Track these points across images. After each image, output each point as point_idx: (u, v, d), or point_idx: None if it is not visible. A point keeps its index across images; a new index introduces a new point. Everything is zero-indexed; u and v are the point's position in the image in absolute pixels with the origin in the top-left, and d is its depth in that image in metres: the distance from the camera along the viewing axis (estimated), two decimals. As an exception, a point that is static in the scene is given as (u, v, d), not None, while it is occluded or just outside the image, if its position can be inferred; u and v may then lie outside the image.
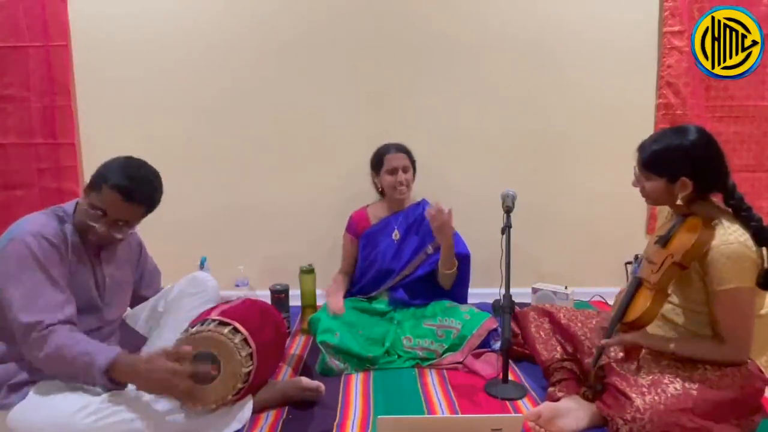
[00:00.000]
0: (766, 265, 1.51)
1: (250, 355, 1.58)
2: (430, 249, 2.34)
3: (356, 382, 2.00)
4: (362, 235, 2.48)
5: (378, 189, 2.52)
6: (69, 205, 1.64)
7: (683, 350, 1.57)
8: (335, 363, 2.05)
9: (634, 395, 1.48)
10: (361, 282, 2.45)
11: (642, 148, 1.64)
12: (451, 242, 2.19)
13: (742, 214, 1.54)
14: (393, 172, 2.39)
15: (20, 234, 1.50)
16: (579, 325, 1.90)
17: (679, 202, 1.60)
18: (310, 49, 2.81)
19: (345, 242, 2.54)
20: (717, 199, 1.61)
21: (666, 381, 1.50)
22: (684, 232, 1.56)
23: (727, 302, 1.50)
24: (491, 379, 1.95)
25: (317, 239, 2.84)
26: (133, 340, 1.81)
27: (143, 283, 1.92)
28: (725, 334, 1.53)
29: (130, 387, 1.58)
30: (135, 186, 1.57)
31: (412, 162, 2.45)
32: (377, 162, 2.44)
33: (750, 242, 1.49)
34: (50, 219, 1.57)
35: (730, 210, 1.58)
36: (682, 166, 1.56)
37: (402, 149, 2.43)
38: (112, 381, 1.44)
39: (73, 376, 1.47)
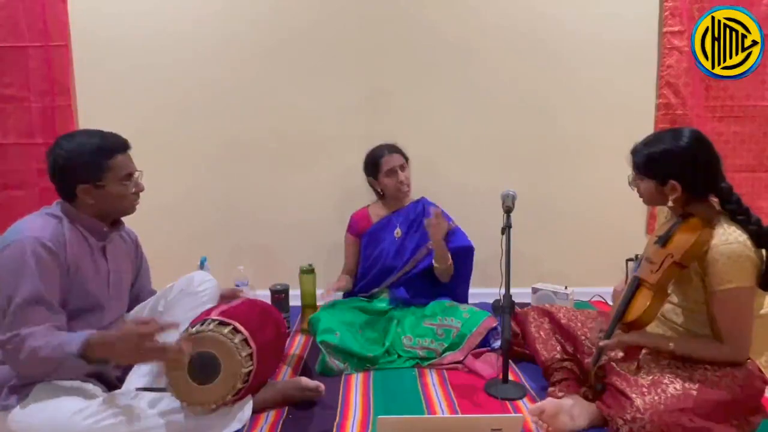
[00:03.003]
0: (764, 266, 1.51)
1: (250, 355, 1.58)
2: (431, 244, 2.35)
3: (356, 382, 2.00)
4: (364, 233, 2.49)
5: (378, 192, 2.52)
6: (63, 204, 1.62)
7: (682, 349, 1.57)
8: (335, 363, 2.05)
9: (634, 395, 1.48)
10: (364, 280, 2.46)
11: (635, 150, 1.65)
12: (441, 241, 2.25)
13: (739, 217, 1.54)
14: (392, 173, 2.39)
15: (17, 240, 1.48)
16: (579, 325, 1.90)
17: (670, 203, 1.61)
18: (310, 48, 2.81)
19: (347, 243, 2.55)
20: (716, 200, 1.61)
21: (666, 381, 1.50)
22: (683, 232, 1.56)
23: (726, 302, 1.50)
24: (491, 379, 1.95)
25: (317, 239, 2.85)
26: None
27: (138, 283, 1.92)
28: (724, 334, 1.53)
29: (130, 387, 1.58)
30: (117, 137, 1.64)
31: (406, 159, 2.47)
32: (373, 166, 2.45)
33: (749, 242, 1.50)
34: (48, 222, 1.56)
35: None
36: (671, 169, 1.57)
37: (394, 149, 2.45)
38: (91, 361, 1.42)
39: (57, 371, 1.46)
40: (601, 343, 1.63)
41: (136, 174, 1.68)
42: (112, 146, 1.61)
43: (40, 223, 1.54)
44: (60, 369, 1.45)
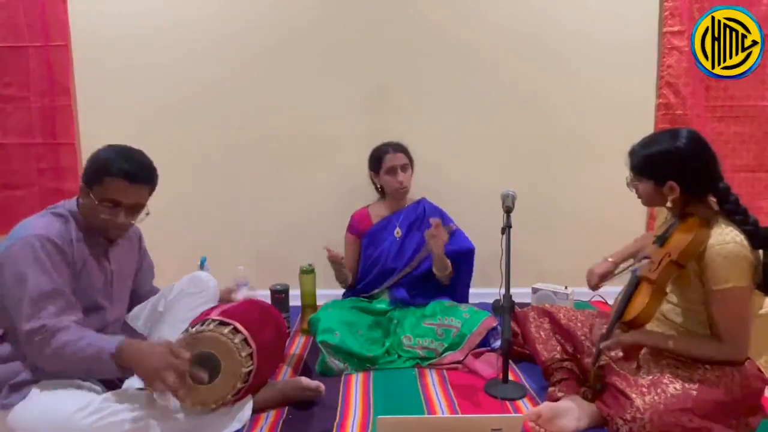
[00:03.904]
0: (762, 266, 1.51)
1: (250, 355, 1.59)
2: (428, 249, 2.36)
3: (356, 382, 2.00)
4: (365, 234, 2.49)
5: (378, 188, 2.53)
6: (69, 203, 1.63)
7: (682, 348, 1.57)
8: (335, 363, 2.05)
9: (634, 395, 1.48)
10: (364, 280, 2.46)
11: (632, 151, 1.66)
12: (441, 253, 2.24)
13: (737, 217, 1.54)
14: (392, 172, 2.40)
15: (24, 237, 1.48)
16: (579, 325, 1.90)
17: (669, 204, 1.61)
18: (311, 47, 2.81)
19: (347, 243, 2.54)
20: (715, 200, 1.61)
21: (666, 381, 1.50)
22: (681, 232, 1.56)
23: (724, 301, 1.51)
24: (491, 379, 1.95)
25: (317, 239, 2.83)
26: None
27: (139, 278, 1.91)
28: (723, 334, 1.53)
29: (130, 386, 1.58)
30: (136, 167, 1.59)
31: (410, 160, 2.46)
32: (376, 162, 2.45)
33: (746, 242, 1.50)
34: (53, 221, 1.56)
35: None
36: (668, 170, 1.57)
37: (399, 148, 2.45)
38: (119, 366, 1.44)
39: (81, 369, 1.47)
40: (601, 345, 1.63)
41: (145, 209, 1.64)
42: (119, 169, 1.56)
43: (46, 222, 1.55)
44: (82, 367, 1.46)
